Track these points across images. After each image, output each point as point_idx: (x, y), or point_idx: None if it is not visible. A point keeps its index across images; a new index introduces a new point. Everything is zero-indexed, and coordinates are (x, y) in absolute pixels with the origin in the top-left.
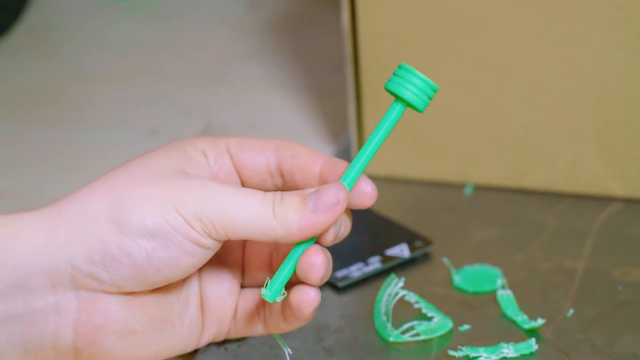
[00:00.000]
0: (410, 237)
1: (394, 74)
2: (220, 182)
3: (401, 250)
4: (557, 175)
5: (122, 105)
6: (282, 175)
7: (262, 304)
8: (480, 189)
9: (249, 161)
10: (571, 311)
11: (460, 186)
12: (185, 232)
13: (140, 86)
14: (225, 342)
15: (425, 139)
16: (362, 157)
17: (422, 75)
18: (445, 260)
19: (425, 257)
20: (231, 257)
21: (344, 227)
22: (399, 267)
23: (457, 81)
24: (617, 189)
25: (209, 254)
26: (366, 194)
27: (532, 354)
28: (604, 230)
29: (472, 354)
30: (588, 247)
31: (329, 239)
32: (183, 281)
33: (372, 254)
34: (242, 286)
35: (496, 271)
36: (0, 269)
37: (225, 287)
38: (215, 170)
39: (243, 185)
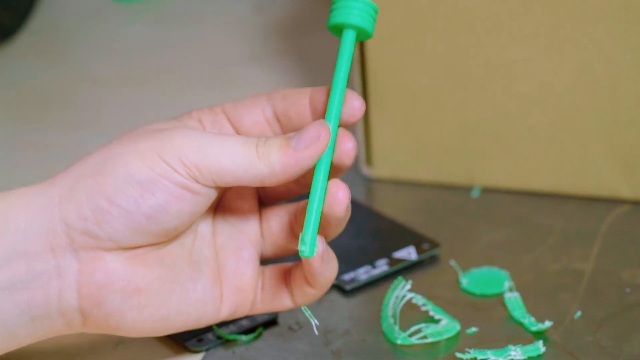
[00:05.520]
0: (417, 240)
1: (332, 9)
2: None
3: (408, 253)
4: (564, 177)
5: (130, 107)
6: (278, 119)
7: (287, 272)
8: (487, 191)
9: (245, 114)
10: (579, 313)
11: (467, 188)
12: (171, 176)
13: (149, 88)
14: (233, 344)
15: (432, 141)
16: (337, 92)
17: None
18: (452, 262)
19: (433, 259)
20: (247, 226)
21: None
22: (406, 269)
23: (465, 83)
24: (625, 190)
25: (201, 201)
26: (354, 108)
27: (539, 356)
28: (612, 232)
29: (480, 357)
30: (596, 249)
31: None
32: (191, 245)
33: (380, 257)
34: (267, 257)
35: (504, 273)
36: (0, 238)
37: (244, 256)
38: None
39: None
